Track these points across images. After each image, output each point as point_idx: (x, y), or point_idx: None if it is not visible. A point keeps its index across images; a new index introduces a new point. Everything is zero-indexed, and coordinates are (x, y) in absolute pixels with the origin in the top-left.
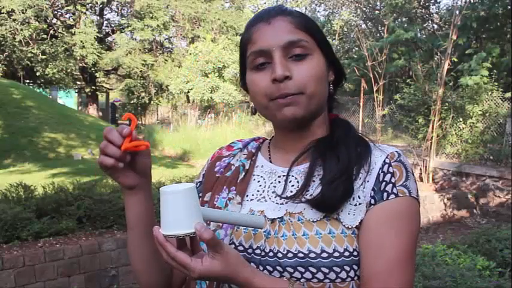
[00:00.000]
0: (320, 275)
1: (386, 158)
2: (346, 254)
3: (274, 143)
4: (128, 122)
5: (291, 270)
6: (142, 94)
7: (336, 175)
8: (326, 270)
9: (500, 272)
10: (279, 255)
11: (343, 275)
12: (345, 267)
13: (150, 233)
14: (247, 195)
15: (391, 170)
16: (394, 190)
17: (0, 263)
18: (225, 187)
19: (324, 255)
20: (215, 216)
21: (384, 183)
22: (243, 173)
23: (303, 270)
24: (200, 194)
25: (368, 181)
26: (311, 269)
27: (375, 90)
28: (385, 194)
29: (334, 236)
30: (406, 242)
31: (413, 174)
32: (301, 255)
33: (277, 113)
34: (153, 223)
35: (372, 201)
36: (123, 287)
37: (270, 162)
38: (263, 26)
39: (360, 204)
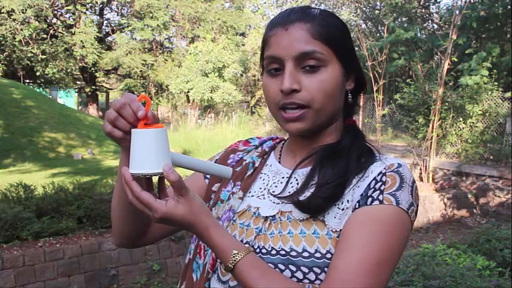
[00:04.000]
0: (299, 274)
1: (384, 168)
2: (329, 256)
3: (287, 145)
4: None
5: (272, 267)
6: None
7: (328, 180)
8: (306, 270)
9: (500, 272)
10: (263, 251)
11: (323, 277)
12: (325, 269)
13: None
14: (249, 192)
15: (383, 178)
16: (380, 197)
17: (0, 262)
18: (231, 181)
19: (305, 254)
20: (184, 161)
21: (373, 189)
22: (251, 170)
23: (283, 268)
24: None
25: (359, 187)
26: (291, 267)
27: (374, 90)
28: (369, 200)
29: (318, 237)
30: (377, 249)
31: (411, 187)
32: (283, 252)
33: (283, 124)
34: None
35: (357, 206)
36: (123, 286)
37: (279, 162)
38: (280, 32)
39: (346, 208)
